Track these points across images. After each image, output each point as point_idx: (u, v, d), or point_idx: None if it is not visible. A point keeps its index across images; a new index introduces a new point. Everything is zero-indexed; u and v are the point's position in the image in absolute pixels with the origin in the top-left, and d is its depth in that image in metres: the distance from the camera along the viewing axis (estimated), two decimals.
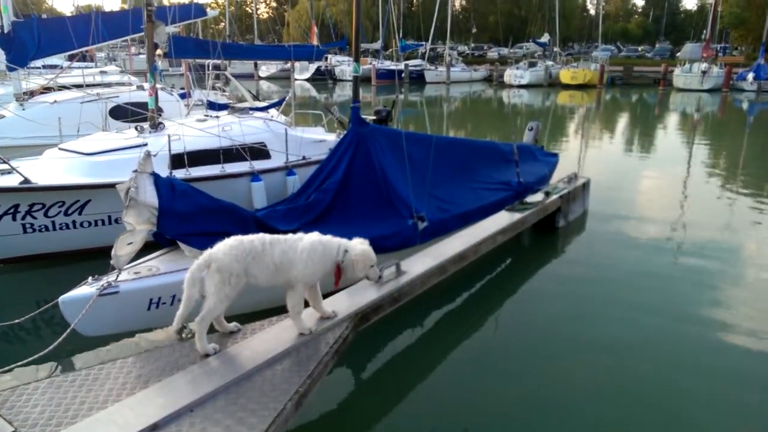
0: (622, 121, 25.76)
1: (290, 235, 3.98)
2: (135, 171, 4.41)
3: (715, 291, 6.65)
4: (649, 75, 46.97)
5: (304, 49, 11.37)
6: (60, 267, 7.00)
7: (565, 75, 43.21)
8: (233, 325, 4.10)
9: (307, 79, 42.85)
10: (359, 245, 4.07)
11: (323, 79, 42.10)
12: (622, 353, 5.27)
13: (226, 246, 3.73)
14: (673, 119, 26.57)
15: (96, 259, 5.37)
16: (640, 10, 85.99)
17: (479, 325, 5.85)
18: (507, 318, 6.08)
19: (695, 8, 74.87)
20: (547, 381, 4.82)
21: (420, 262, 5.58)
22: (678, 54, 48.26)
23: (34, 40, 10.15)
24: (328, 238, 4.04)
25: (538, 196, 8.24)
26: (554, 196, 8.37)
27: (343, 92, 37.26)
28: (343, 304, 4.55)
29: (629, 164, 14.95)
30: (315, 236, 3.98)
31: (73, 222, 6.93)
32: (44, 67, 14.75)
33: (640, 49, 65.57)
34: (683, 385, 4.80)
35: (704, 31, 41.53)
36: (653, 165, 14.73)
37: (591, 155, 15.92)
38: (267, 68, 44.99)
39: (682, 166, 14.38)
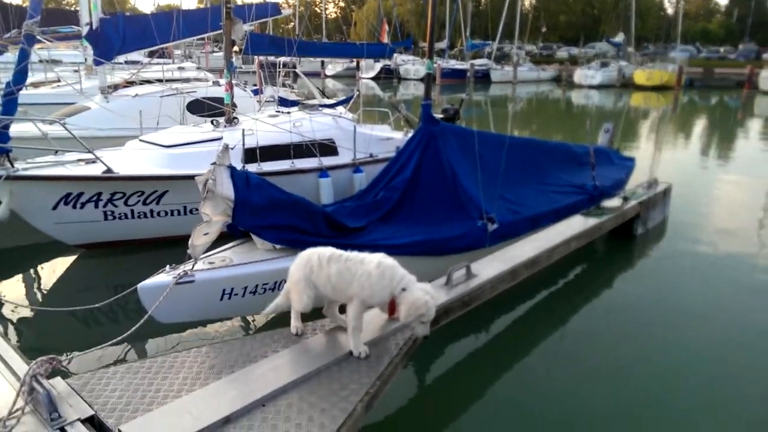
0: (702, 126, 24.30)
1: (353, 254, 3.76)
2: (213, 163, 4.45)
3: None
4: (732, 77, 44.12)
5: (376, 47, 11.35)
6: (136, 254, 7.27)
7: (640, 76, 41.19)
8: (297, 327, 3.96)
9: (372, 78, 43.13)
10: (418, 291, 3.61)
11: (389, 77, 42.24)
12: (698, 371, 4.95)
13: (297, 256, 3.89)
14: (758, 124, 24.78)
15: (171, 248, 5.51)
16: (723, 9, 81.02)
17: (550, 333, 5.61)
18: (580, 327, 5.79)
19: None
20: (615, 395, 4.58)
21: (491, 266, 5.39)
22: (765, 55, 45.07)
23: (119, 36, 10.62)
24: (392, 265, 3.66)
25: (615, 202, 7.83)
26: (633, 202, 7.93)
27: (407, 91, 37.17)
28: None
29: (710, 171, 14.04)
30: (375, 260, 3.67)
31: (151, 211, 7.19)
32: (126, 62, 15.50)
33: (721, 50, 61.72)
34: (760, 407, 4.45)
35: None
36: (737, 173, 13.75)
37: (668, 160, 15.05)
38: (333, 67, 45.59)
39: None
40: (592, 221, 7.07)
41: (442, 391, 4.73)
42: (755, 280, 6.98)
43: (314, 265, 3.74)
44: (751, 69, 41.50)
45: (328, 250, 3.81)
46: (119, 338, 3.68)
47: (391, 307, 3.70)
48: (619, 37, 47.23)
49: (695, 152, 17.12)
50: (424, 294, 3.62)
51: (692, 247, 8.09)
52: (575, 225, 6.89)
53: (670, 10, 65.55)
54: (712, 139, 20.50)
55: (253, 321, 5.69)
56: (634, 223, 8.09)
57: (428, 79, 6.84)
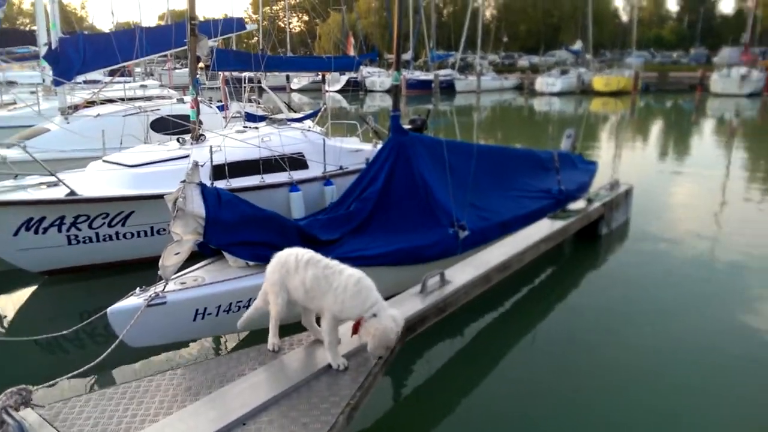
0: (659, 128, 25.16)
1: (333, 263, 3.70)
2: (183, 181, 4.40)
3: (763, 309, 6.32)
4: (685, 81, 45.93)
5: (343, 60, 11.40)
6: (102, 279, 7.08)
7: (599, 82, 42.50)
8: (274, 344, 3.91)
9: (338, 91, 43.24)
10: (387, 320, 3.53)
11: (356, 90, 42.47)
12: (665, 367, 5.08)
13: (274, 257, 3.80)
14: (711, 125, 25.81)
15: (139, 271, 5.42)
16: (674, 15, 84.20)
17: (524, 335, 5.73)
18: (552, 328, 5.92)
19: (732, 12, 73.06)
20: (590, 394, 4.69)
21: (464, 272, 5.46)
22: (715, 59, 47.07)
23: (80, 55, 10.40)
24: (370, 287, 3.58)
25: (580, 204, 8.04)
26: (597, 204, 8.15)
27: (374, 103, 37.45)
28: None
29: (668, 171, 14.54)
30: (356, 275, 3.60)
31: (117, 233, 7.02)
32: (85, 82, 15.18)
33: (674, 55, 64.12)
34: (726, 401, 4.61)
35: (743, 35, 40.37)
36: (693, 172, 14.28)
37: (629, 162, 15.52)
38: (298, 80, 45.55)
39: (723, 173, 13.91)
40: (558, 224, 7.23)
41: (421, 398, 4.75)
42: (715, 275, 7.23)
43: (290, 267, 3.66)
44: (702, 72, 43.31)
45: (307, 253, 3.73)
46: (90, 365, 3.58)
47: (355, 327, 3.61)
48: (578, 45, 48.73)
49: (654, 154, 17.70)
50: (391, 322, 3.54)
51: (654, 245, 8.35)
52: (543, 228, 7.04)
53: (624, 18, 67.94)
54: (669, 141, 21.24)
55: (228, 341, 5.62)
56: (598, 224, 8.31)
57: (396, 91, 6.92)
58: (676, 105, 36.18)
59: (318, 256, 3.74)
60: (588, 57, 48.40)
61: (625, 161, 15.70)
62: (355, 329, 3.61)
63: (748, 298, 6.57)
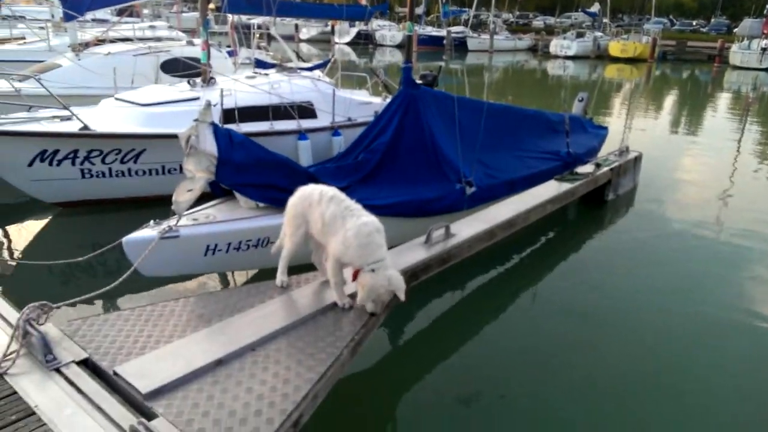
0: (673, 98, 24.79)
1: (356, 206, 3.73)
2: (196, 120, 4.46)
3: (764, 280, 6.41)
4: (703, 51, 44.84)
5: (355, 9, 11.21)
6: (113, 213, 7.23)
7: (615, 47, 41.50)
8: (282, 281, 4.06)
9: (347, 43, 42.49)
10: (382, 278, 3.54)
11: (365, 43, 41.67)
12: (661, 334, 5.17)
13: (298, 190, 3.94)
14: (726, 98, 25.41)
15: (149, 208, 5.50)
16: None
17: (524, 291, 5.87)
18: (551, 287, 6.04)
19: None
20: (583, 354, 4.80)
21: (469, 226, 5.56)
22: (735, 30, 45.82)
23: None
24: (379, 243, 3.59)
25: (588, 168, 8.06)
26: (605, 169, 8.18)
27: (383, 58, 36.84)
28: (395, 261, 4.56)
29: (679, 142, 14.43)
30: (371, 227, 3.59)
31: (129, 170, 7.13)
32: (93, 20, 14.98)
33: (694, 23, 62.47)
34: (715, 369, 4.70)
35: (766, 6, 39.20)
36: (704, 144, 14.17)
37: (639, 130, 15.42)
38: (307, 30, 44.70)
39: (734, 148, 13.77)
40: (565, 186, 7.28)
41: (422, 341, 4.96)
42: (718, 248, 7.25)
43: (314, 199, 3.79)
44: (721, 43, 42.19)
45: (331, 190, 3.85)
46: (107, 288, 3.73)
47: (355, 274, 3.71)
48: (595, 8, 47.41)
49: (666, 123, 17.53)
50: (384, 280, 3.56)
51: (660, 213, 8.39)
52: (550, 189, 7.10)
53: None
54: (682, 112, 20.98)
55: (236, 277, 5.79)
56: (605, 189, 8.35)
57: (409, 42, 6.86)
58: (693, 75, 35.49)
59: (342, 195, 3.83)
60: (605, 21, 47.23)
61: (637, 129, 15.58)
62: (355, 276, 3.74)
63: (753, 273, 6.56)
